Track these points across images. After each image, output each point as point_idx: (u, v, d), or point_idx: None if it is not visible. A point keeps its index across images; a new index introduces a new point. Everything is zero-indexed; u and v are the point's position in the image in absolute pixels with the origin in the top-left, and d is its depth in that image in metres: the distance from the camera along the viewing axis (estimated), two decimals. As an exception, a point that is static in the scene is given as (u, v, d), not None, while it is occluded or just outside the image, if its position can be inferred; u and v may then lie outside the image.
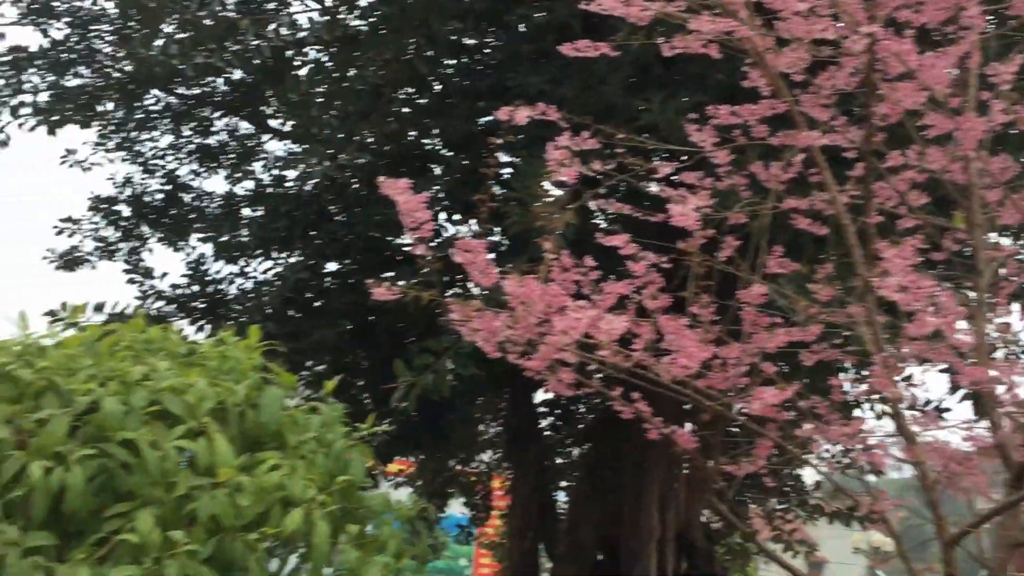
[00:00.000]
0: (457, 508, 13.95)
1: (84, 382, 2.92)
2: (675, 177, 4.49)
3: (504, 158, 10.88)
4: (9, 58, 10.18)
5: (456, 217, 11.31)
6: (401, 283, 3.90)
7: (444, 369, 9.26)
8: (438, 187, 10.38)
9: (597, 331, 3.26)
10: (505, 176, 10.52)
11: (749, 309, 3.56)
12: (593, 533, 10.56)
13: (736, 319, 3.84)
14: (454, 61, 10.63)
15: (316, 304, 11.05)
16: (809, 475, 12.83)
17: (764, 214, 4.37)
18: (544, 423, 12.66)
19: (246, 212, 11.69)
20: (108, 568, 2.65)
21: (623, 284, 3.71)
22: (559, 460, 13.24)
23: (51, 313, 10.17)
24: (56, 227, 10.92)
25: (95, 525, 2.75)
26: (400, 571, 3.33)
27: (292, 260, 11.34)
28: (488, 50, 10.62)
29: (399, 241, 12.10)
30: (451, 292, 10.22)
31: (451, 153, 11.06)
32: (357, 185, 10.81)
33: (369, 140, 10.40)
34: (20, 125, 10.41)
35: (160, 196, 11.33)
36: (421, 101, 10.73)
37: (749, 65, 4.20)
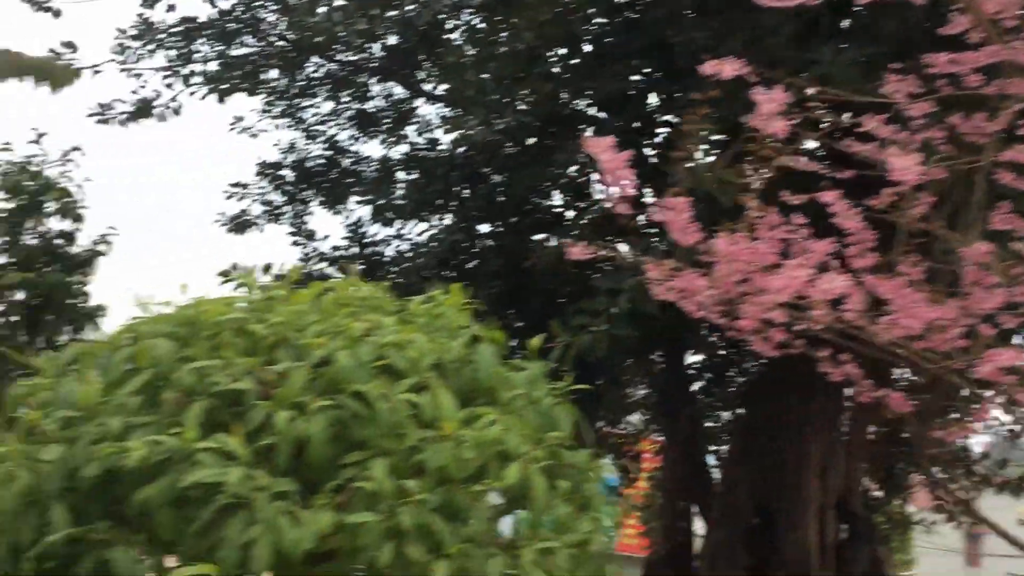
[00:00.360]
0: (605, 469, 14.05)
1: (314, 337, 3.05)
2: (863, 131, 4.32)
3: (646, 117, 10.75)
4: (180, 29, 10.64)
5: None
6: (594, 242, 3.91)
7: (601, 330, 9.26)
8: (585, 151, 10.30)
9: (810, 290, 3.18)
10: (662, 135, 10.39)
11: (970, 268, 3.40)
12: (749, 498, 10.42)
13: (947, 278, 3.69)
14: (606, 20, 10.51)
15: (470, 265, 11.23)
16: (976, 444, 12.31)
17: (971, 168, 4.16)
18: (694, 386, 12.55)
19: (400, 176, 11.95)
20: (346, 514, 2.77)
21: (827, 242, 3.61)
22: (708, 423, 13.12)
23: (224, 273, 10.72)
24: (226, 192, 11.44)
25: (331, 473, 2.88)
26: (605, 528, 3.36)
27: (446, 222, 11.55)
28: (640, 6, 10.43)
29: (549, 203, 12.14)
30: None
31: (603, 114, 10.98)
32: (509, 147, 10.86)
33: (516, 102, 10.43)
34: (192, 94, 10.92)
35: (321, 161, 11.70)
36: (573, 62, 10.66)
37: (957, 11, 3.99)
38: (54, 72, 4.01)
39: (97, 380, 2.96)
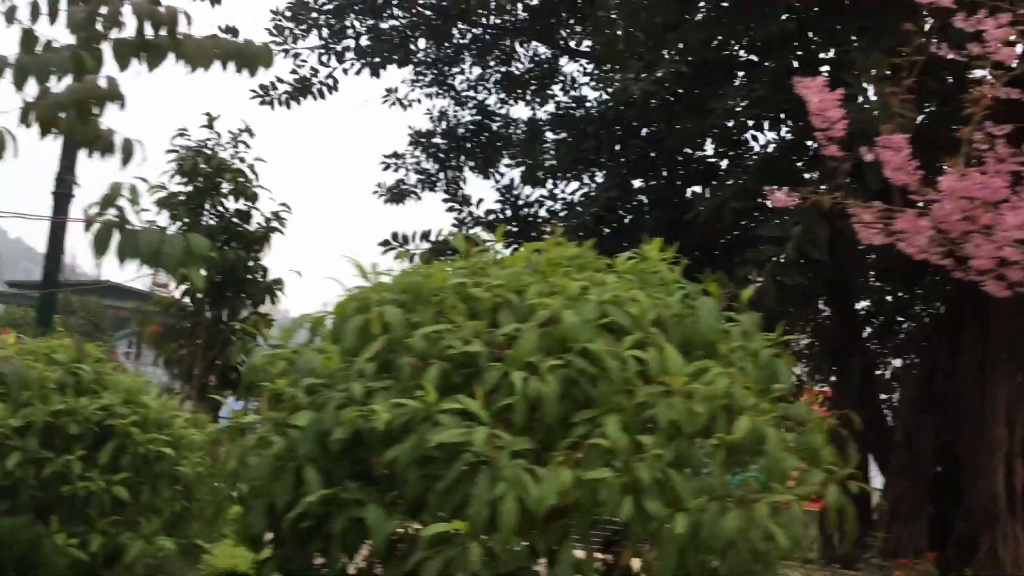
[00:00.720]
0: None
1: (536, 297, 3.08)
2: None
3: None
4: (333, 6, 10.89)
5: (765, 124, 10.93)
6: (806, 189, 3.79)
7: (768, 279, 9.07)
8: (741, 98, 10.01)
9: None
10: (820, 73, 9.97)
11: None
12: (930, 446, 10.05)
13: None
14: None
15: (626, 221, 11.14)
16: None
17: None
18: (863, 333, 12.14)
19: (549, 136, 11.94)
20: (583, 470, 2.80)
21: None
22: (877, 371, 12.67)
23: (385, 243, 11.00)
24: (383, 163, 11.69)
25: (563, 431, 2.91)
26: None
27: (598, 179, 11.49)
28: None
29: (702, 153, 11.90)
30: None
31: (757, 58, 10.65)
32: (659, 100, 10.68)
33: (668, 53, 10.21)
34: (345, 71, 11.18)
35: (471, 127, 11.81)
36: (724, 4, 10.35)
37: None
38: (255, 56, 4.14)
39: (333, 348, 3.08)
